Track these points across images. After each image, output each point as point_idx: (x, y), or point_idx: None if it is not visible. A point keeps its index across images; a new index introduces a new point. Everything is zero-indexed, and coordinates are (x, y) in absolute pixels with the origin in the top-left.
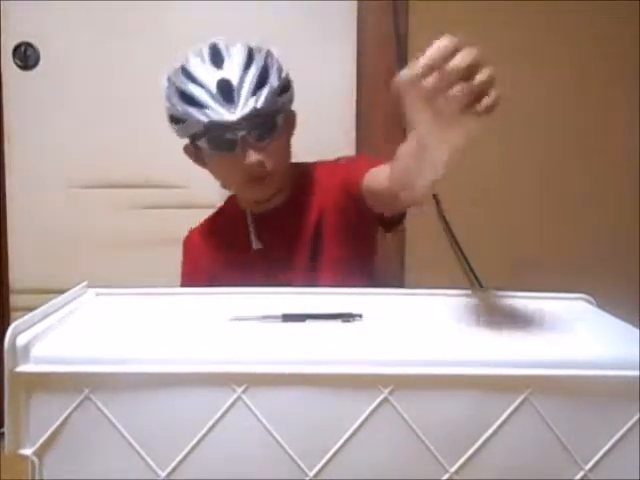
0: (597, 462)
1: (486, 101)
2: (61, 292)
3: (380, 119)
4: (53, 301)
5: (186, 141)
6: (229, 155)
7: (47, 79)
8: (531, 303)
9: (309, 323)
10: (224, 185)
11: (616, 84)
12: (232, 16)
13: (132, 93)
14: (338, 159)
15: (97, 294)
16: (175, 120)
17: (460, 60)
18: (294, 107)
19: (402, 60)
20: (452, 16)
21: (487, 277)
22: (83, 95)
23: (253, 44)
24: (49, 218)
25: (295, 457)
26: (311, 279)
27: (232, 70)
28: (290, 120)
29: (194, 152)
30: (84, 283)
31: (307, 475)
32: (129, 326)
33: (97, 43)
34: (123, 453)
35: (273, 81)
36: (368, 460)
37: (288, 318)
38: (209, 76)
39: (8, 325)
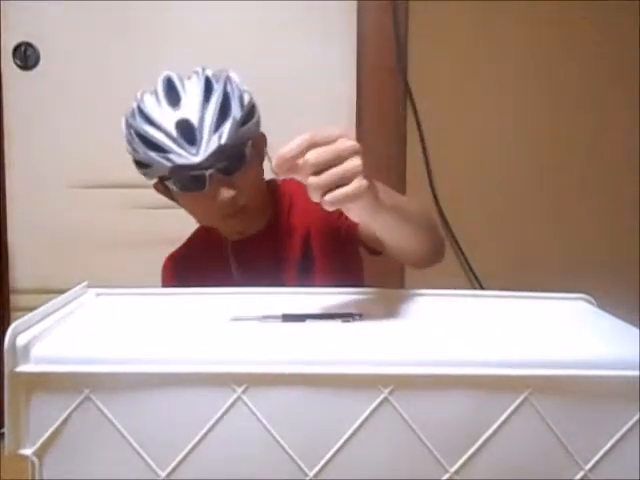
0: (597, 462)
1: (340, 191)
2: (61, 292)
3: (380, 119)
4: (53, 301)
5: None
6: (199, 194)
7: (47, 79)
8: (531, 303)
9: (309, 323)
10: (199, 221)
11: (619, 84)
12: (232, 16)
13: (132, 93)
14: None
15: (97, 294)
16: (139, 165)
17: (310, 156)
18: (294, 108)
19: (402, 60)
20: (452, 16)
21: (487, 277)
22: (83, 95)
23: (210, 72)
24: (49, 218)
25: (295, 457)
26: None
27: (190, 108)
28: (259, 144)
29: (164, 191)
30: (84, 283)
31: (307, 475)
32: (129, 326)
33: (97, 43)
34: (123, 453)
35: (235, 112)
36: (368, 460)
37: (288, 318)
38: (167, 118)
39: (8, 325)
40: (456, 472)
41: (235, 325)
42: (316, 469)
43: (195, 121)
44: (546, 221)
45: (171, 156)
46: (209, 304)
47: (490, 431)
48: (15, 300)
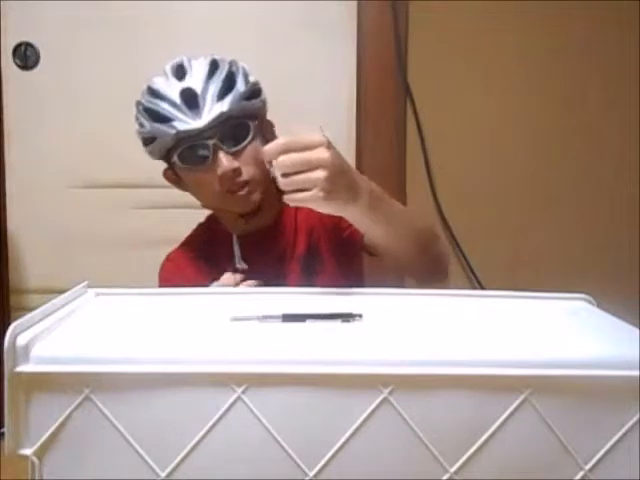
0: (597, 462)
1: (297, 196)
2: (61, 292)
3: (380, 119)
4: (53, 301)
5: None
6: (203, 168)
7: (47, 79)
8: (531, 303)
9: (309, 323)
10: (205, 205)
11: (623, 84)
12: (232, 16)
13: (132, 93)
14: None
15: (97, 294)
16: (146, 141)
17: (281, 160)
18: (294, 108)
19: (402, 60)
20: (452, 16)
21: (487, 277)
22: (83, 95)
23: (217, 56)
24: (49, 218)
25: (295, 457)
26: None
27: (195, 79)
28: (267, 130)
29: (172, 176)
30: (84, 283)
31: (307, 475)
32: (129, 326)
33: (97, 43)
34: (123, 453)
35: (240, 86)
36: (368, 460)
37: (288, 318)
38: (172, 88)
39: (8, 325)
40: (456, 472)
41: (235, 325)
42: (316, 469)
43: (199, 90)
44: (546, 221)
45: (174, 123)
46: (209, 304)
47: (490, 431)
48: (15, 300)
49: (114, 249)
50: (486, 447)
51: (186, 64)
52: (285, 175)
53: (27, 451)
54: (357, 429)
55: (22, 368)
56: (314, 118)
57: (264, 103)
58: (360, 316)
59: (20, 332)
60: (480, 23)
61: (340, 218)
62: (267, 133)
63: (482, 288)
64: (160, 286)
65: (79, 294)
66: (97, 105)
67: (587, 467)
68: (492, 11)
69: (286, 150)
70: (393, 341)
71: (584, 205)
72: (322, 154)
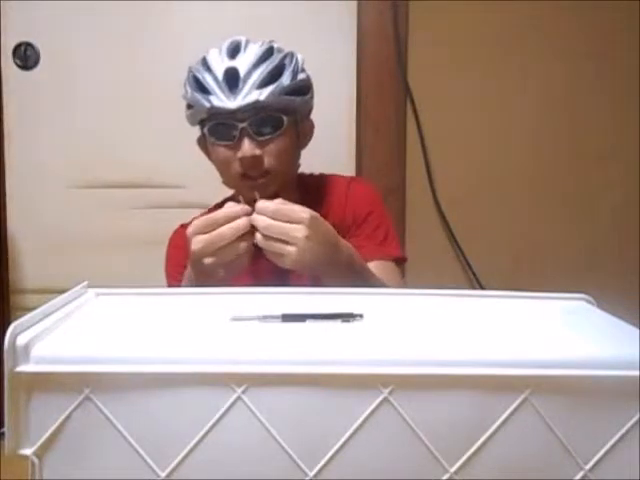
0: (597, 462)
1: (274, 257)
2: (61, 292)
3: (380, 119)
4: (53, 301)
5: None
6: (228, 145)
7: (47, 79)
8: (531, 303)
9: (309, 323)
10: (225, 182)
11: (618, 85)
12: (232, 16)
13: (132, 93)
14: (352, 179)
15: (97, 294)
16: (187, 106)
17: (262, 223)
18: None
19: (402, 60)
20: (452, 16)
21: (487, 277)
22: (83, 95)
23: (276, 45)
24: (49, 218)
25: (295, 457)
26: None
27: (243, 61)
28: (301, 127)
29: (204, 143)
30: (84, 283)
31: (307, 475)
32: (129, 326)
33: (97, 43)
34: (123, 453)
35: (284, 80)
36: (368, 460)
37: (288, 318)
38: (220, 64)
39: (8, 325)
40: (456, 472)
41: (235, 325)
42: (316, 469)
43: (243, 72)
44: (546, 221)
45: (211, 97)
46: (209, 304)
47: (490, 431)
48: (15, 300)
49: (114, 249)
50: (486, 447)
51: (242, 44)
52: (265, 236)
53: (27, 451)
54: (357, 429)
55: (22, 368)
56: (314, 117)
57: (307, 102)
58: (360, 316)
59: (20, 332)
60: (480, 23)
61: (352, 225)
62: (302, 132)
63: (482, 288)
64: (169, 251)
65: (79, 294)
66: (97, 105)
67: (587, 467)
68: (492, 11)
69: (273, 216)
70: (393, 341)
71: (584, 205)
72: (297, 232)
